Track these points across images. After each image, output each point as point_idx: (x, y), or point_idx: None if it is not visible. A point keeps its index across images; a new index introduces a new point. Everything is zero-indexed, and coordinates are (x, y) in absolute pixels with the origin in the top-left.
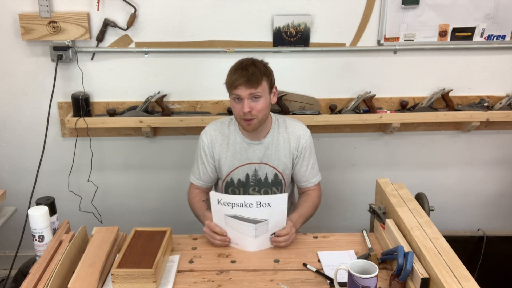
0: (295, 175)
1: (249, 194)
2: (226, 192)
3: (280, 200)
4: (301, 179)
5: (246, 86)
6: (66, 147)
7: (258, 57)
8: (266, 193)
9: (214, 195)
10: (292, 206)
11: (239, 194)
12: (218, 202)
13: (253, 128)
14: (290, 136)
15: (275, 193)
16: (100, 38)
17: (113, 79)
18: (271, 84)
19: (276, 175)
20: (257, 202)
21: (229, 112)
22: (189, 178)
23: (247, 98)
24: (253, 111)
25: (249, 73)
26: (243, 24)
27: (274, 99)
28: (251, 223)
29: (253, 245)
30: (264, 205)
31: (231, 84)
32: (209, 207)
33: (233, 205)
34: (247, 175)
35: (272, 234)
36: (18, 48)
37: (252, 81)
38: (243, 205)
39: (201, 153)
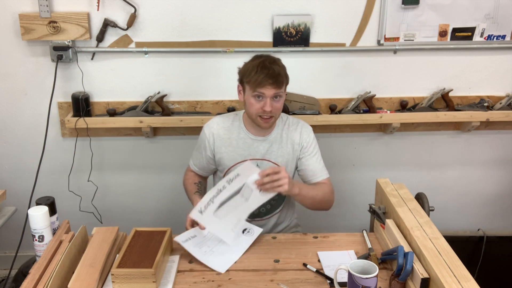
0: (303, 172)
1: None
2: None
3: (246, 166)
4: (307, 174)
5: (273, 86)
6: (66, 147)
7: None
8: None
9: (194, 214)
10: (292, 207)
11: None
12: (201, 213)
13: (270, 125)
14: (293, 133)
15: None
16: (100, 38)
17: (113, 79)
18: (287, 84)
19: None
20: (227, 181)
21: (229, 112)
22: (188, 161)
23: (270, 97)
24: (273, 109)
25: (276, 73)
26: (243, 24)
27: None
28: (236, 194)
29: (251, 205)
30: (234, 177)
31: (258, 83)
32: (198, 191)
33: (211, 201)
34: None
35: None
36: (18, 48)
37: (279, 82)
38: (219, 192)
39: (201, 144)
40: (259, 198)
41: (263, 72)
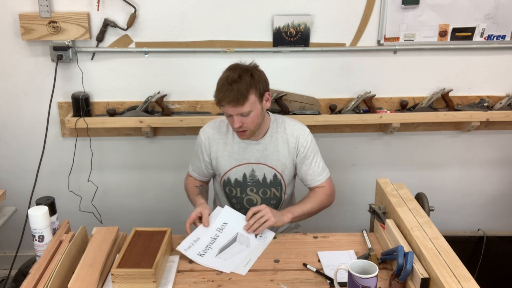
0: (300, 176)
1: (247, 194)
2: (224, 191)
3: (227, 213)
4: (306, 177)
5: (231, 105)
6: (66, 147)
7: (258, 57)
8: (264, 194)
9: (194, 257)
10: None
11: (236, 194)
12: (202, 256)
13: (247, 137)
14: (289, 136)
15: (274, 194)
16: (100, 38)
17: (113, 79)
18: (261, 93)
19: (275, 175)
20: (217, 229)
21: None
22: (188, 162)
23: (235, 115)
24: (244, 124)
25: (234, 92)
26: (243, 24)
27: (267, 105)
28: (233, 242)
29: (257, 252)
30: (224, 225)
31: (217, 102)
32: (200, 193)
33: (209, 247)
34: (244, 175)
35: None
36: (18, 48)
37: (238, 100)
38: (213, 241)
39: (198, 149)
40: (260, 243)
41: (221, 91)
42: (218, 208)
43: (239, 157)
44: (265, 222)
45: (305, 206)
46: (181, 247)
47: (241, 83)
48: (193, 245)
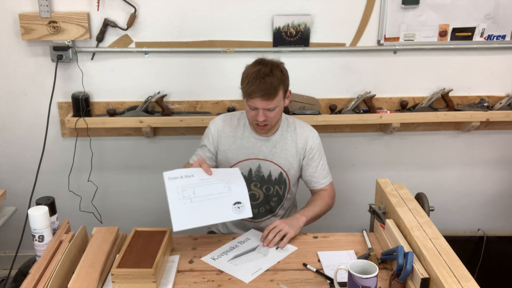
0: (305, 177)
1: (251, 189)
2: None
3: (253, 232)
4: (311, 180)
5: (263, 99)
6: (66, 147)
7: (258, 57)
8: (268, 190)
9: (207, 260)
10: (294, 209)
11: None
12: (215, 260)
13: (266, 132)
14: (298, 137)
15: (277, 191)
16: (100, 38)
17: (113, 79)
18: (286, 90)
19: (281, 173)
20: (239, 242)
21: (229, 112)
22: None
23: (262, 108)
24: (268, 119)
25: (267, 86)
26: (243, 24)
27: (287, 102)
28: (251, 251)
29: (273, 261)
30: (246, 240)
31: (248, 94)
32: None
33: (224, 253)
34: (250, 170)
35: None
36: (18, 48)
37: (270, 94)
38: (232, 248)
39: (205, 139)
40: (280, 254)
41: (254, 84)
42: (231, 169)
43: (247, 152)
44: (285, 235)
45: (315, 208)
46: (166, 174)
47: (274, 77)
48: (182, 178)
